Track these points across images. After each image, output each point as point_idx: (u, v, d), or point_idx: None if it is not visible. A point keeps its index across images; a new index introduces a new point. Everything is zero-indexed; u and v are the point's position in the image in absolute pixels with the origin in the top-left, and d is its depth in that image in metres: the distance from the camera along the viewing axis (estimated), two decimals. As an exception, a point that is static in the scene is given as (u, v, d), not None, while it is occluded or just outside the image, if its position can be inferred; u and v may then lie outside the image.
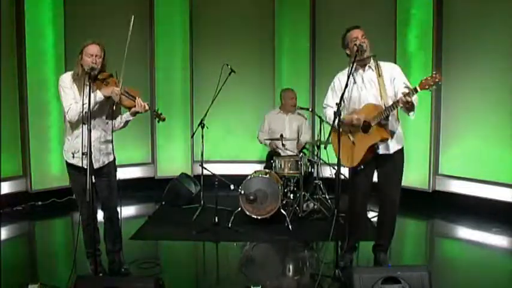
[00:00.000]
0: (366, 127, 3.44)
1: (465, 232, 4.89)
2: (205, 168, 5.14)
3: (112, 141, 3.51)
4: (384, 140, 3.44)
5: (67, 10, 5.85)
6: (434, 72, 3.16)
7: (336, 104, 3.34)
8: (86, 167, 3.07)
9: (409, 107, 3.24)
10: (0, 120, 5.28)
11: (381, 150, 3.50)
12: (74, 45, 5.72)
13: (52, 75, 5.77)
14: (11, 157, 5.58)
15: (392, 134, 3.48)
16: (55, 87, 5.70)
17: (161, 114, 3.58)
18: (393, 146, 3.51)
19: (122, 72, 3.32)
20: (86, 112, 3.13)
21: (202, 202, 5.25)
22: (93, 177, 3.47)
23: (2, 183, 5.38)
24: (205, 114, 5.16)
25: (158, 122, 3.63)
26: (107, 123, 3.47)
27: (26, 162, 5.70)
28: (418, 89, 3.15)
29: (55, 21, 5.77)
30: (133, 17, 3.24)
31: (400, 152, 3.56)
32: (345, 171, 3.68)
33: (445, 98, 5.70)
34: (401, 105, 3.23)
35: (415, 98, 3.22)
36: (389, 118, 3.42)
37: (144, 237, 4.58)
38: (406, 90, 3.17)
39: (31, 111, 5.64)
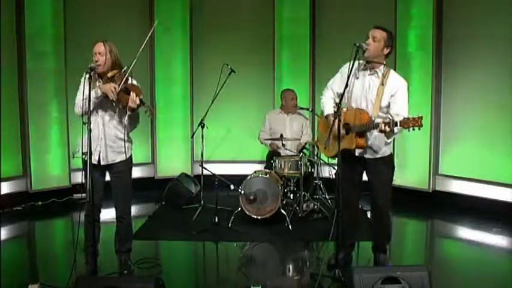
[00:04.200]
0: (346, 130, 3.47)
1: (465, 232, 4.89)
2: (205, 168, 5.14)
3: (125, 140, 3.49)
4: (359, 148, 3.47)
5: (67, 9, 5.85)
6: (419, 116, 3.11)
7: (336, 104, 3.36)
8: (94, 163, 3.09)
9: (386, 134, 3.29)
10: (0, 120, 5.28)
11: (358, 153, 3.54)
12: (74, 45, 5.78)
13: (52, 75, 5.77)
14: (11, 157, 5.58)
15: (378, 144, 3.51)
16: (55, 87, 5.79)
17: (152, 108, 3.55)
18: (372, 154, 3.55)
19: (127, 72, 3.36)
20: (89, 109, 3.16)
21: (202, 202, 5.24)
22: (107, 174, 3.53)
23: (2, 183, 5.38)
24: (205, 114, 5.16)
25: (149, 116, 3.52)
26: (121, 122, 3.47)
27: (26, 162, 5.69)
28: (399, 124, 3.15)
29: (55, 21, 5.76)
30: (156, 21, 3.29)
31: (383, 159, 3.58)
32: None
33: (445, 98, 5.70)
34: (377, 130, 3.26)
35: (397, 129, 3.22)
36: (387, 141, 3.48)
37: (144, 237, 4.57)
38: (387, 120, 3.20)
39: (31, 111, 5.64)
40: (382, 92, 3.42)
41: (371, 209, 3.73)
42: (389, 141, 3.47)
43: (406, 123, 3.11)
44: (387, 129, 3.17)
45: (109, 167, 3.48)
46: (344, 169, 3.57)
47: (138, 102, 3.36)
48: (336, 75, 3.69)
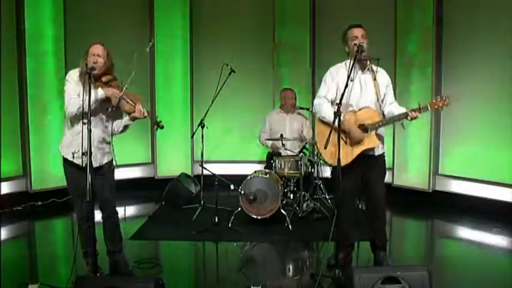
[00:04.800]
0: (363, 130, 3.49)
1: (465, 232, 4.89)
2: (205, 168, 5.14)
3: (111, 143, 3.54)
4: (376, 146, 3.56)
5: (67, 10, 5.85)
6: (446, 96, 3.33)
7: (336, 104, 3.34)
8: (84, 166, 3.06)
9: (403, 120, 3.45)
10: (0, 120, 5.28)
11: (370, 151, 3.57)
12: (74, 45, 5.78)
13: (52, 75, 5.78)
14: (11, 157, 5.58)
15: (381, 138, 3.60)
16: (55, 87, 5.79)
17: (160, 122, 3.60)
18: (379, 149, 3.61)
19: (129, 79, 3.35)
20: (85, 110, 3.13)
21: (202, 202, 5.24)
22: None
23: (2, 183, 5.38)
24: (205, 114, 5.16)
25: (156, 129, 3.70)
26: (107, 126, 3.49)
27: (26, 162, 5.70)
28: (429, 107, 3.34)
29: (55, 21, 5.77)
30: (151, 43, 3.30)
31: (383, 153, 3.69)
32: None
33: (445, 98, 5.69)
34: (408, 118, 3.39)
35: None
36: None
37: (144, 237, 4.58)
38: (415, 108, 3.33)
39: (31, 111, 5.64)
40: (378, 86, 3.53)
41: (369, 205, 3.70)
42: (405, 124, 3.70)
43: (435, 104, 3.33)
44: (418, 114, 3.35)
45: (96, 169, 3.46)
46: (351, 170, 3.57)
47: (146, 114, 3.42)
48: (325, 83, 3.63)
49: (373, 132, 3.48)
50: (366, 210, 3.81)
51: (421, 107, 3.33)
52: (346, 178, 3.51)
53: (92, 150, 3.34)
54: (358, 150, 3.50)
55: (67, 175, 3.48)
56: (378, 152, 3.61)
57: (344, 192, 3.56)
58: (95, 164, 3.42)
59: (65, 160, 3.44)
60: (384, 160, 3.72)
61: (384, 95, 3.57)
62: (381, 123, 3.47)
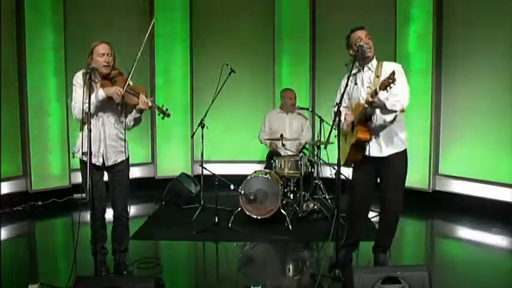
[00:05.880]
0: (352, 127, 3.49)
1: (465, 232, 4.89)
2: (205, 168, 5.14)
3: (125, 140, 3.53)
4: (362, 141, 3.43)
5: (67, 10, 5.86)
6: (391, 74, 3.07)
7: (336, 104, 3.36)
8: (97, 164, 3.16)
9: (382, 109, 3.29)
10: (0, 121, 5.28)
11: (373, 152, 3.50)
12: (74, 45, 5.79)
13: (52, 75, 5.79)
14: (11, 157, 5.58)
15: (390, 138, 3.47)
16: (55, 88, 5.81)
17: (167, 110, 3.54)
18: (387, 150, 3.48)
19: (130, 73, 3.36)
20: (89, 110, 3.15)
21: (202, 202, 5.25)
22: (105, 174, 3.51)
23: (2, 183, 5.38)
24: (205, 114, 5.16)
25: (163, 118, 3.56)
26: (122, 121, 3.50)
27: (26, 162, 5.70)
28: (378, 90, 3.14)
29: (55, 21, 5.78)
30: (154, 20, 3.29)
31: (399, 155, 3.51)
32: (344, 171, 3.69)
33: (445, 98, 5.70)
34: (366, 105, 3.26)
35: (387, 100, 3.21)
36: (386, 122, 3.40)
37: (144, 237, 4.58)
38: (369, 92, 3.22)
39: (31, 111, 5.65)
40: (379, 82, 3.40)
41: (381, 206, 3.67)
42: (388, 119, 3.35)
43: (383, 85, 3.08)
44: (370, 99, 3.19)
45: (110, 167, 3.49)
46: (361, 174, 3.57)
47: (150, 104, 3.40)
48: (337, 92, 3.67)
49: (359, 127, 3.40)
50: (381, 212, 3.77)
51: (371, 93, 3.18)
52: (357, 177, 3.61)
53: (104, 148, 3.39)
54: (348, 144, 3.51)
55: (82, 175, 3.48)
56: (385, 153, 3.47)
57: (355, 192, 3.62)
58: (108, 163, 3.44)
59: (81, 161, 3.44)
60: (400, 162, 3.53)
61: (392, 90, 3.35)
62: (357, 116, 3.39)
